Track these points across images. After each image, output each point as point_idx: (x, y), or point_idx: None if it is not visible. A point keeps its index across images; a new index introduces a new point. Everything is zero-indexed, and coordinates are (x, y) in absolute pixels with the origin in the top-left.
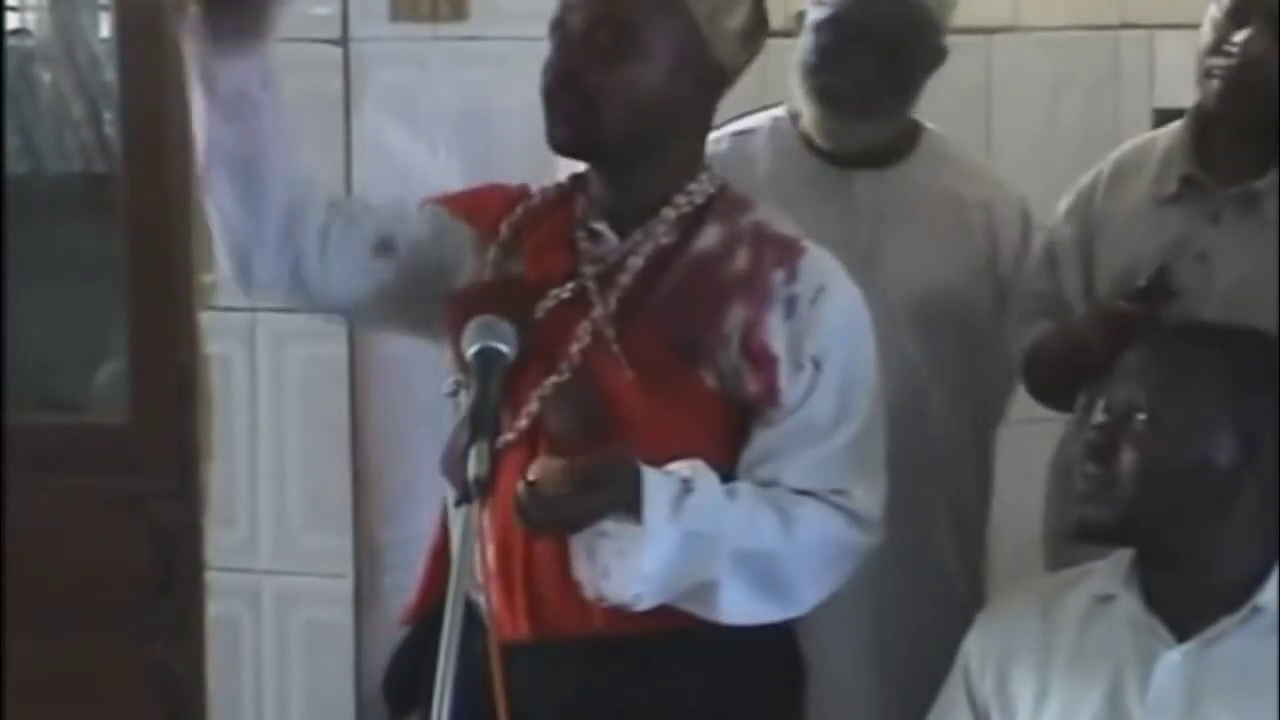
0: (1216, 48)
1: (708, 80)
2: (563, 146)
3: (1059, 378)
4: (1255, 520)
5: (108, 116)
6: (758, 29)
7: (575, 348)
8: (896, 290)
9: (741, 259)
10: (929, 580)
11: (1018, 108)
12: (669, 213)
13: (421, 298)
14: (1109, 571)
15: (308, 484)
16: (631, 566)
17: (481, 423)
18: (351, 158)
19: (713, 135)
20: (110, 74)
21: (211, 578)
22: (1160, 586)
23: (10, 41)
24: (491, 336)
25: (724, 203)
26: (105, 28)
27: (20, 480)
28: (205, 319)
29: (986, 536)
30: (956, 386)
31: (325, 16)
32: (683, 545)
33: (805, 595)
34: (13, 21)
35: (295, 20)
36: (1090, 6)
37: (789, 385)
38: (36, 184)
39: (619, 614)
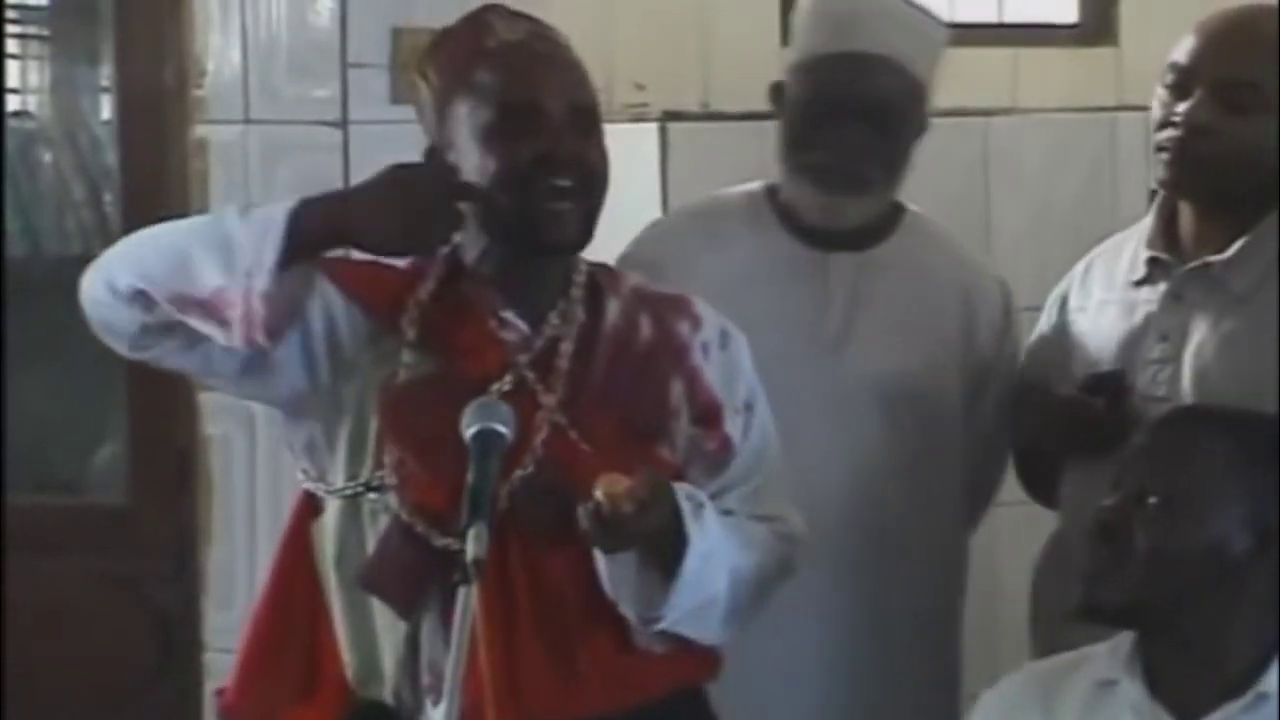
0: (1164, 122)
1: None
2: (573, 247)
3: (1028, 468)
4: (1264, 604)
5: (108, 198)
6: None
7: (537, 440)
8: (864, 375)
9: (646, 325)
10: (895, 698)
11: (1015, 189)
12: (576, 292)
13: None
14: (1110, 656)
15: None
16: (662, 579)
17: (479, 505)
18: None
19: (682, 208)
20: (111, 156)
21: (210, 659)
22: (1164, 671)
23: (11, 123)
24: (491, 418)
25: (603, 274)
26: (106, 110)
27: (17, 562)
28: (204, 400)
29: (959, 644)
30: (919, 484)
31: (325, 98)
32: (706, 555)
33: (747, 615)
34: (14, 103)
35: (294, 102)
36: (1087, 87)
37: (734, 431)
38: (36, 265)
39: (599, 695)
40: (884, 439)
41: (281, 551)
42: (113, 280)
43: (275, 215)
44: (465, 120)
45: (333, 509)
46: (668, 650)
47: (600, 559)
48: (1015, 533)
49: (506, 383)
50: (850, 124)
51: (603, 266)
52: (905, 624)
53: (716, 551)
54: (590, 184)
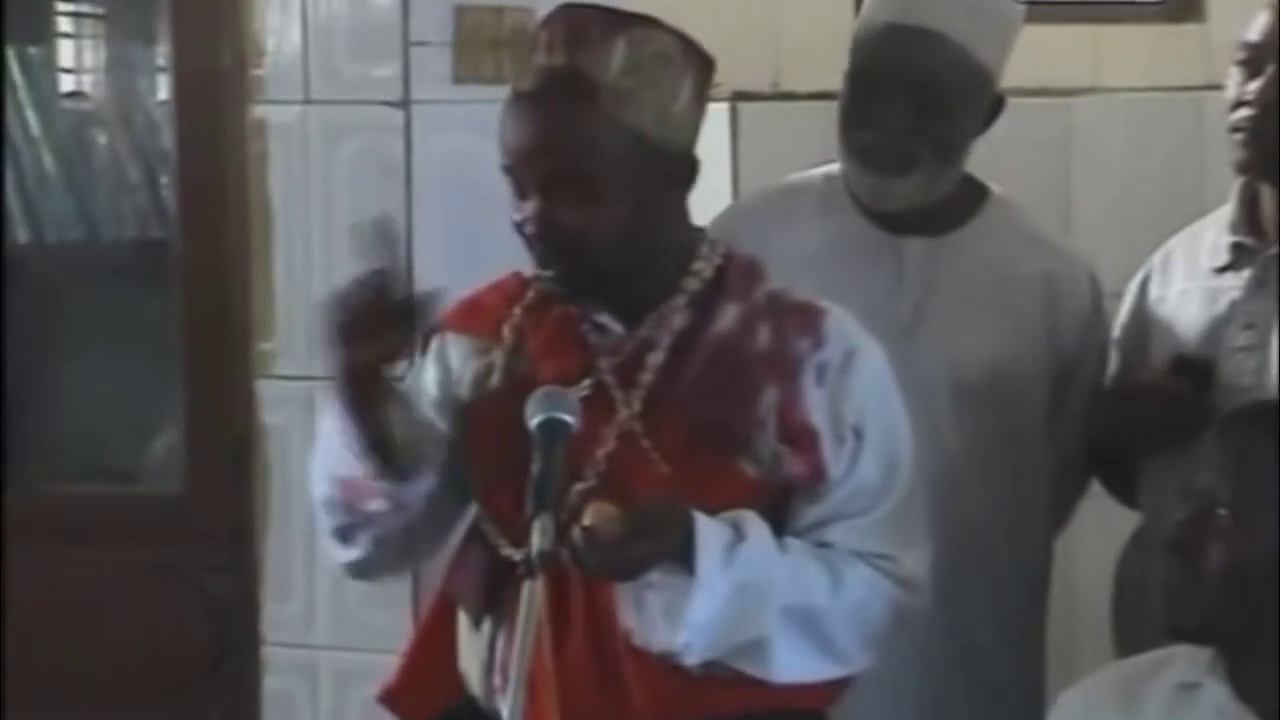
0: (1238, 101)
1: (676, 173)
2: (561, 291)
3: (1106, 462)
4: None
5: (164, 180)
6: (705, 82)
7: (601, 452)
8: (937, 369)
9: (764, 335)
10: (976, 700)
11: (1098, 172)
12: (678, 298)
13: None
14: (1192, 657)
15: None
16: (681, 615)
17: (546, 496)
18: (412, 226)
19: (760, 189)
20: (167, 138)
21: (267, 653)
22: (1249, 675)
23: (65, 104)
24: (556, 407)
25: (735, 274)
26: (163, 90)
27: (71, 552)
28: (263, 388)
29: (1042, 646)
30: (1000, 479)
31: (386, 78)
32: (734, 596)
33: (854, 654)
34: (69, 84)
35: (354, 82)
36: (1172, 66)
37: (833, 459)
38: (91, 250)
39: (647, 713)
40: (961, 432)
41: (454, 558)
42: (325, 530)
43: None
44: None
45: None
46: (732, 676)
47: (620, 587)
48: (1095, 527)
49: (584, 387)
50: (895, 100)
51: (743, 265)
52: (986, 625)
53: (760, 586)
54: (567, 252)
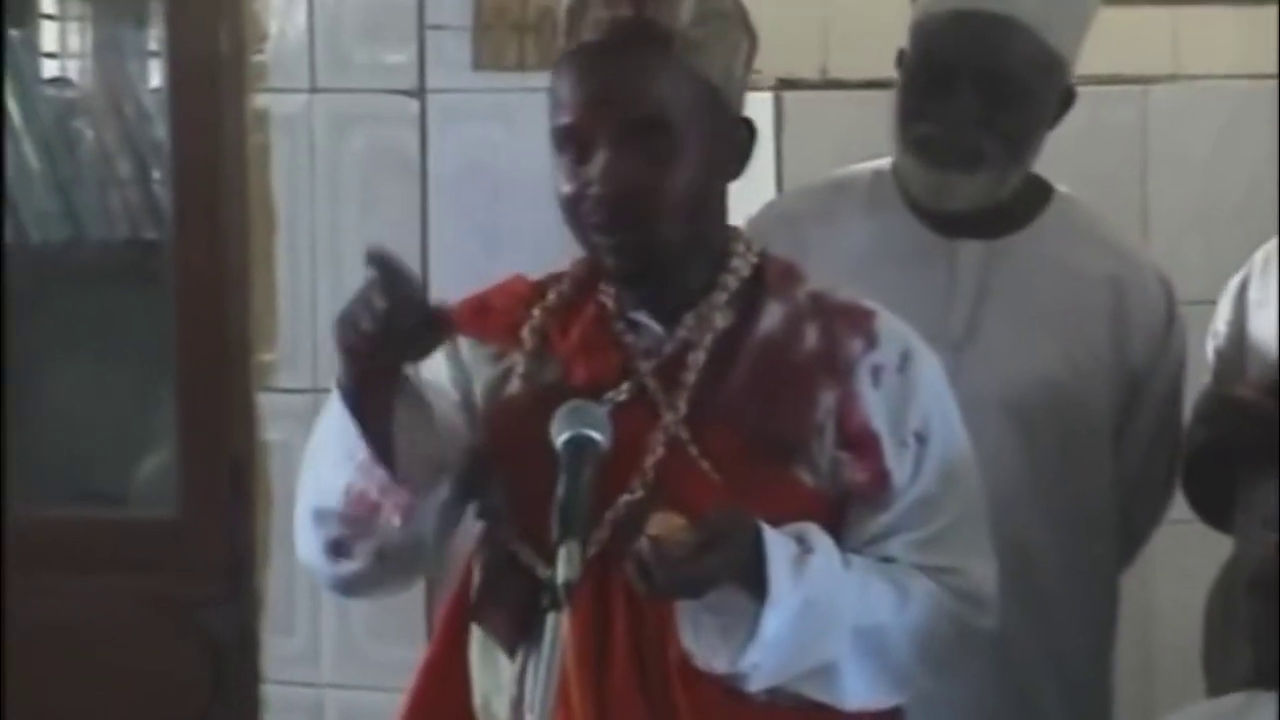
0: None
1: (738, 141)
2: (629, 278)
3: (1196, 482)
4: None
5: (157, 176)
6: (753, 54)
7: (649, 461)
8: (991, 384)
9: (811, 336)
10: None
11: (1178, 166)
12: (719, 296)
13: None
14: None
15: None
16: (739, 638)
17: (572, 520)
18: (428, 219)
19: (802, 186)
20: (160, 129)
21: (268, 692)
22: None
23: (49, 91)
24: (583, 423)
25: (774, 273)
26: (155, 77)
27: (56, 581)
28: (263, 401)
29: (1109, 687)
30: (1058, 506)
31: (399, 64)
32: (804, 611)
33: (918, 676)
34: (52, 69)
35: (365, 68)
36: (1259, 52)
37: (896, 466)
38: (77, 250)
39: None
40: (1018, 453)
41: (457, 585)
42: (310, 543)
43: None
44: (551, 104)
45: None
46: (797, 704)
47: (678, 607)
48: (1175, 554)
49: (623, 391)
50: (963, 91)
51: (781, 265)
52: (1047, 666)
53: (829, 603)
54: (638, 215)
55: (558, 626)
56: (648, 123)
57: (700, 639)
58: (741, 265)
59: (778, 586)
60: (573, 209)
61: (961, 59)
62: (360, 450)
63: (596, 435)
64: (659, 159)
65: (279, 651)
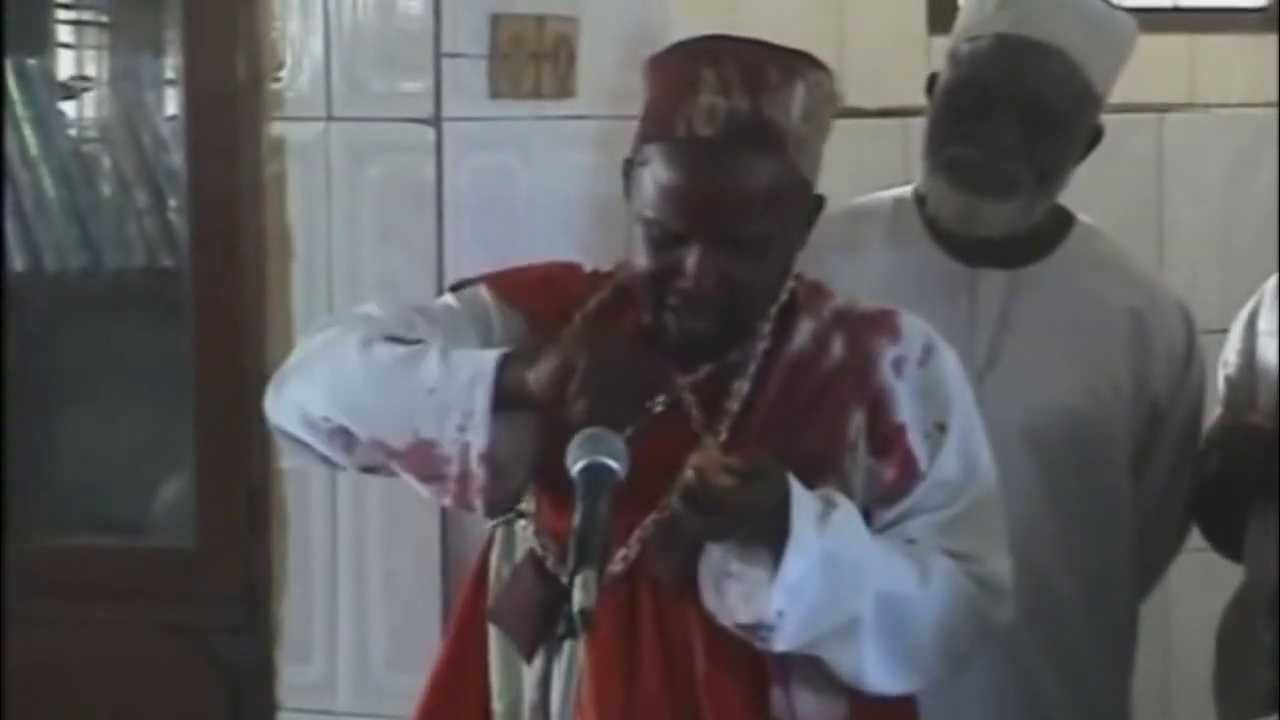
0: None
1: (811, 208)
2: (685, 342)
3: (1209, 511)
4: None
5: (173, 204)
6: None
7: (682, 480)
8: (1011, 413)
9: (838, 348)
10: None
11: (1193, 194)
12: (763, 326)
13: None
14: None
15: (393, 615)
16: (760, 603)
17: (588, 549)
18: (445, 247)
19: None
20: (177, 157)
21: None
22: None
23: (66, 120)
24: (600, 450)
25: (805, 293)
26: (172, 105)
27: (71, 611)
28: None
29: (1128, 718)
30: (1077, 535)
31: (416, 93)
32: (826, 563)
33: (937, 664)
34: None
35: (382, 97)
36: (1274, 80)
37: (920, 454)
38: (94, 279)
39: None
40: (1037, 486)
41: (465, 589)
42: (309, 412)
43: (483, 366)
44: (644, 180)
45: (496, 541)
46: (815, 711)
47: (702, 570)
48: (1192, 584)
49: (659, 403)
50: (1002, 117)
51: (810, 284)
52: (1064, 700)
53: (852, 561)
54: (724, 307)
55: (574, 654)
56: (751, 230)
57: (723, 603)
58: (783, 294)
59: (801, 531)
60: (652, 286)
61: (1003, 83)
62: (472, 423)
63: (613, 464)
64: (751, 255)
65: (296, 680)
